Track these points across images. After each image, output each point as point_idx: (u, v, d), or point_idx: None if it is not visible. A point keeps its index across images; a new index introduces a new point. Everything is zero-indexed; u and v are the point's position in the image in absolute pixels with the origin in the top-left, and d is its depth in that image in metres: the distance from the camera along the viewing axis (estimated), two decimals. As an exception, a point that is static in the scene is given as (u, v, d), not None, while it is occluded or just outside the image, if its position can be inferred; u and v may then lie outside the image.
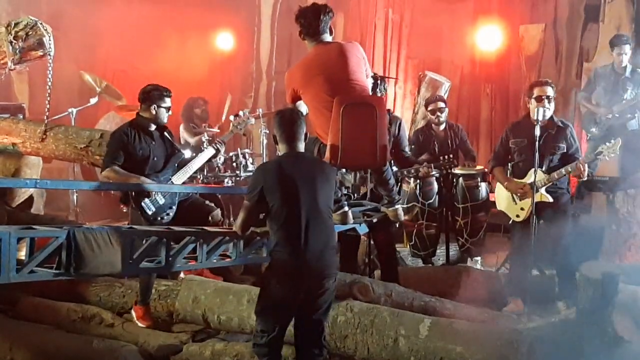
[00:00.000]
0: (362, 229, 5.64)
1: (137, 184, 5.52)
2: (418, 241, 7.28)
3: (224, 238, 4.85)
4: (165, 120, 5.88)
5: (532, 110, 5.89)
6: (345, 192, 5.59)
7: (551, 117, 6.02)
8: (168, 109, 5.84)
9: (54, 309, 5.97)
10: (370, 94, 5.38)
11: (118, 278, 6.05)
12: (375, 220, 5.71)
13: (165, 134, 5.96)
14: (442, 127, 7.39)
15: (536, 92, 5.98)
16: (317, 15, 5.07)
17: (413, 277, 6.49)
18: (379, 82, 6.05)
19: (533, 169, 5.71)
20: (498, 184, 6.33)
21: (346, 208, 5.12)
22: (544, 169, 5.92)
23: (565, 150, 6.00)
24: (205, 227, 5.12)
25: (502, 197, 6.30)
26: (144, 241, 4.56)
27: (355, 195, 5.95)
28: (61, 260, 4.15)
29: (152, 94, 5.80)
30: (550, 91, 5.97)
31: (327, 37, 5.16)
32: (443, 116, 7.34)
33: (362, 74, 5.15)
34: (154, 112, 5.78)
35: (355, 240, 6.39)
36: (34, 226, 4.28)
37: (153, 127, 5.86)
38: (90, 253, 4.18)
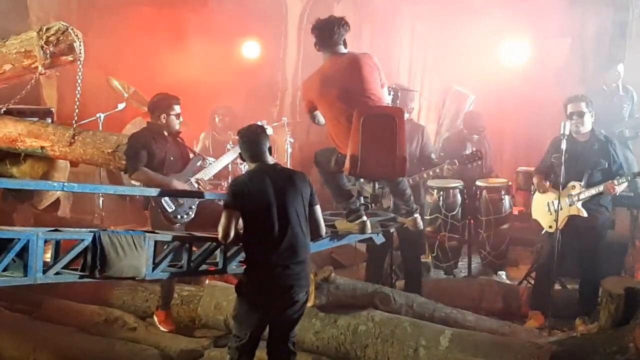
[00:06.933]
0: (379, 239, 5.72)
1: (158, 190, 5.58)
2: (440, 253, 7.26)
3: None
4: (177, 128, 5.96)
5: (561, 126, 5.85)
6: (363, 202, 5.70)
7: (592, 131, 6.00)
8: (178, 115, 5.92)
9: (78, 312, 6.06)
10: (389, 104, 5.50)
11: (140, 282, 6.07)
12: (392, 230, 5.84)
13: (178, 139, 6.06)
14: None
15: (569, 108, 5.97)
16: (332, 27, 5.21)
17: (435, 289, 6.50)
18: (399, 94, 6.10)
19: (570, 183, 5.87)
20: (536, 193, 6.31)
21: (364, 217, 5.31)
22: (583, 183, 5.91)
23: (606, 166, 5.95)
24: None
25: (538, 206, 6.27)
26: (165, 246, 4.61)
27: (373, 205, 6.01)
28: (86, 262, 4.19)
29: (160, 104, 5.91)
30: (583, 107, 5.94)
31: (342, 49, 5.28)
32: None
33: (377, 83, 5.27)
34: (164, 120, 5.88)
35: (383, 251, 6.45)
36: (60, 228, 4.31)
37: (166, 134, 5.94)
38: (114, 256, 4.21)
